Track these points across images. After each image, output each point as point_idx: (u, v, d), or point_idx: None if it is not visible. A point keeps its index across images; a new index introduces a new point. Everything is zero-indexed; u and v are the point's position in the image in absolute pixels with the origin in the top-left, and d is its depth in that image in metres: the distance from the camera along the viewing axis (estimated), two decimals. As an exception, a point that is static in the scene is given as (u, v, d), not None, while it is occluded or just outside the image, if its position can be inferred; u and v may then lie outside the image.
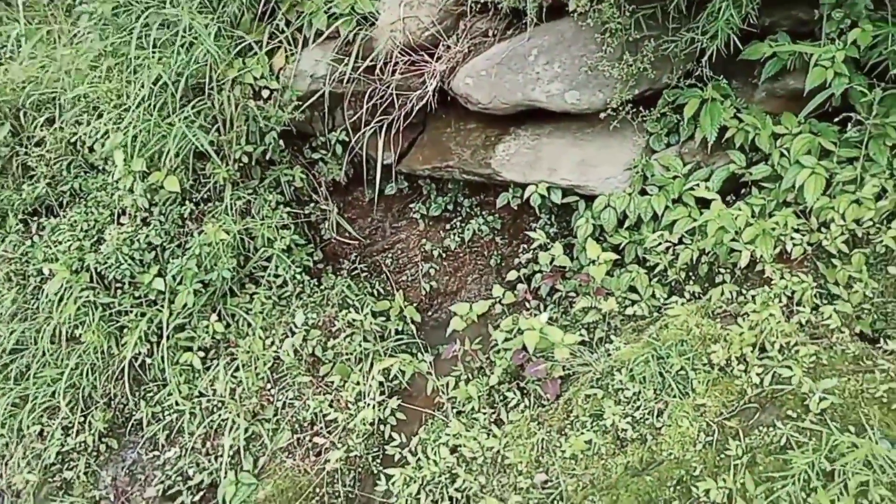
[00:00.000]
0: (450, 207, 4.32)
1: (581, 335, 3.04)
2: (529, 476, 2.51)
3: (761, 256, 2.77)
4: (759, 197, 3.00)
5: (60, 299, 3.29)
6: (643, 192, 3.26)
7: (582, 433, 2.50)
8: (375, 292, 3.98)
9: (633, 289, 3.23)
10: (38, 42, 3.70)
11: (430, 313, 4.37)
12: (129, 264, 3.32)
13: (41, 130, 3.48)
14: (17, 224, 3.47)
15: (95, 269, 3.33)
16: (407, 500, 2.67)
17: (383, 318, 3.74)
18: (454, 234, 4.25)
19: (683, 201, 3.14)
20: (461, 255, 4.36)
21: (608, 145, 3.42)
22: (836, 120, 2.80)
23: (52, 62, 3.54)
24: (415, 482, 2.69)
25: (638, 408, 2.46)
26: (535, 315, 3.01)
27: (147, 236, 3.36)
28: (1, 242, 3.42)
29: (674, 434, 2.29)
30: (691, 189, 3.09)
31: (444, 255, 4.30)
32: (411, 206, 4.38)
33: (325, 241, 4.31)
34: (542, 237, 3.44)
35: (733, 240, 2.80)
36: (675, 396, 2.40)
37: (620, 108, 3.19)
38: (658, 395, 2.44)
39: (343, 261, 4.29)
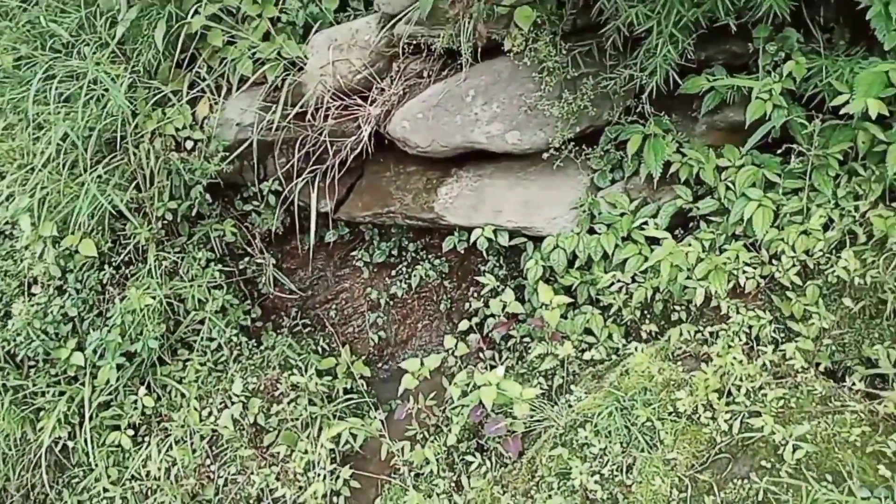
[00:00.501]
0: (394, 253, 4.16)
1: (539, 384, 2.91)
2: (497, 547, 2.33)
3: (716, 292, 2.72)
4: (708, 231, 2.96)
5: (-37, 385, 2.94)
6: (591, 231, 3.18)
7: (549, 496, 2.34)
8: (320, 349, 3.76)
9: (588, 331, 3.12)
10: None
11: (379, 365, 4.17)
12: (43, 339, 3.01)
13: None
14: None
15: (3, 347, 3.00)
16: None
17: (329, 377, 3.53)
18: (401, 281, 4.08)
19: (633, 238, 3.07)
20: (409, 301, 4.19)
21: (552, 185, 3.34)
22: (779, 152, 2.79)
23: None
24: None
25: (605, 464, 2.32)
26: (492, 367, 2.86)
27: (62, 307, 3.06)
28: None
29: (646, 492, 2.16)
30: (640, 227, 3.02)
31: (391, 302, 4.12)
32: (353, 253, 4.19)
33: (262, 297, 4.07)
34: (492, 281, 3.32)
35: (687, 277, 2.73)
36: (642, 450, 2.28)
37: (563, 147, 3.12)
38: (625, 448, 2.31)
39: (283, 316, 4.06)
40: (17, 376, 3.04)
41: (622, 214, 3.11)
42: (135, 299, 3.13)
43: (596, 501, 2.28)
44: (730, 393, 2.32)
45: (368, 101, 3.45)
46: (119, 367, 3.06)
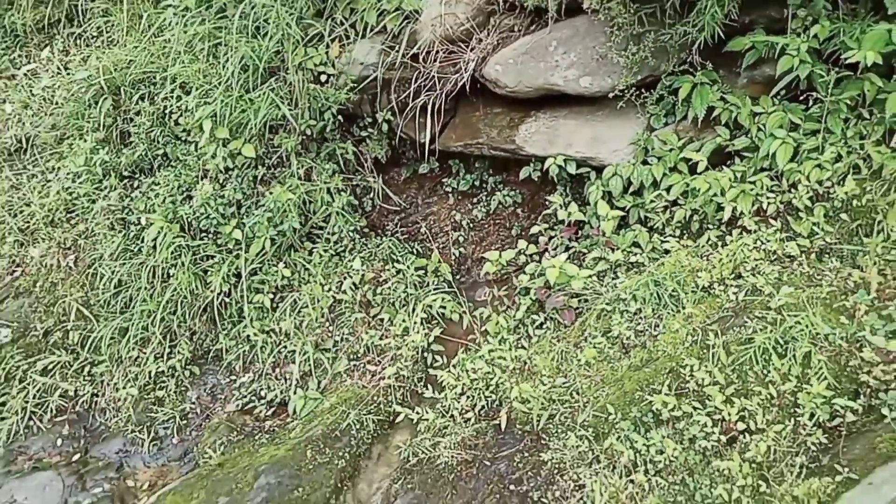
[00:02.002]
0: (476, 184, 4.97)
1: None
2: (551, 379, 3.13)
3: (741, 212, 3.40)
4: (740, 165, 3.63)
5: (156, 244, 3.93)
6: (644, 163, 3.89)
7: (594, 344, 3.13)
8: (415, 251, 4.60)
9: (636, 244, 3.85)
10: (131, 30, 4.36)
11: (458, 276, 4.99)
12: (213, 217, 3.95)
13: (138, 104, 4.13)
14: (117, 182, 4.12)
15: (186, 219, 3.97)
16: (451, 403, 3.29)
17: (422, 272, 4.37)
18: (480, 206, 4.88)
19: (678, 169, 3.77)
20: (486, 225, 4.98)
21: (615, 125, 4.06)
22: (802, 100, 3.44)
23: (147, 47, 4.19)
24: (456, 388, 3.32)
25: (639, 322, 3.09)
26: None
27: (229, 194, 3.99)
28: (106, 196, 4.06)
29: (668, 338, 2.92)
30: (685, 159, 3.72)
31: (471, 224, 4.92)
32: (443, 181, 5.02)
33: (367, 213, 4.94)
34: (560, 200, 4.08)
35: (719, 195, 3.43)
36: (668, 312, 3.03)
37: (626, 91, 3.83)
38: (655, 311, 3.07)
39: (386, 225, 4.93)
40: (191, 243, 4.00)
41: (671, 150, 3.82)
42: (280, 194, 4.05)
43: (629, 346, 3.05)
44: (740, 276, 3.04)
45: (469, 48, 4.24)
46: (269, 241, 3.98)
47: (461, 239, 4.91)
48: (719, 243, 3.36)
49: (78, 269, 4.14)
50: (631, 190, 3.92)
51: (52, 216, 4.22)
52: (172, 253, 3.95)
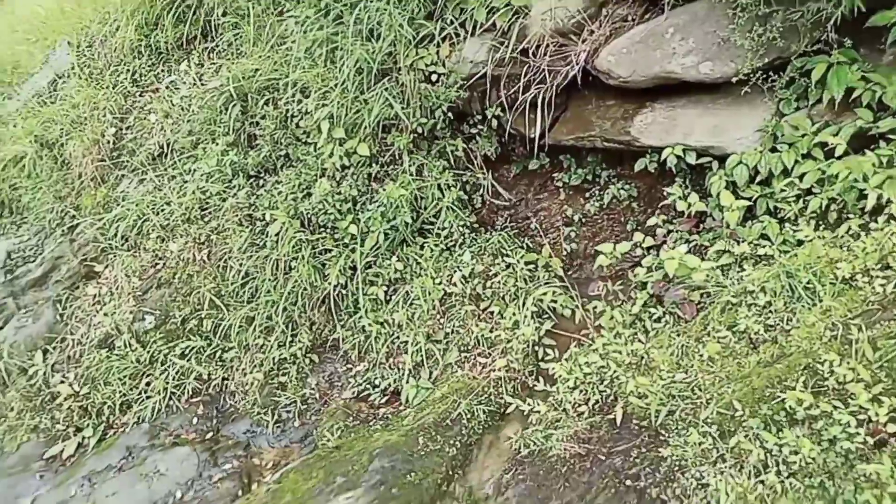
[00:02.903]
0: (588, 178, 4.86)
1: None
2: (671, 374, 2.99)
3: (889, 199, 3.10)
4: (886, 149, 3.31)
5: (279, 239, 4.16)
6: (773, 150, 3.64)
7: (717, 340, 2.96)
8: (524, 246, 4.57)
9: (764, 236, 3.60)
10: (257, 41, 4.66)
11: (569, 273, 4.90)
12: (331, 213, 4.13)
13: (263, 109, 4.41)
14: (245, 181, 4.41)
15: (306, 215, 4.17)
16: (563, 396, 3.23)
17: (532, 267, 4.33)
18: (593, 201, 4.77)
19: (812, 155, 3.50)
20: (599, 220, 4.85)
21: (739, 112, 3.83)
22: (961, 73, 3.09)
23: (270, 56, 4.46)
24: (569, 381, 3.25)
25: (769, 316, 2.89)
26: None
27: (345, 191, 4.16)
28: (235, 195, 4.37)
29: (802, 332, 2.70)
30: (820, 144, 3.44)
31: (583, 220, 4.81)
32: (553, 176, 4.96)
33: (477, 210, 4.97)
34: (679, 192, 3.90)
35: (861, 182, 3.14)
36: (803, 305, 2.81)
37: (751, 76, 3.61)
38: (787, 304, 2.86)
39: (495, 224, 4.94)
40: (310, 237, 4.20)
41: (803, 135, 3.54)
42: (392, 190, 4.17)
43: (758, 341, 2.86)
44: (888, 266, 2.77)
45: (580, 40, 4.17)
46: (382, 235, 4.11)
47: (573, 234, 4.81)
48: (862, 233, 3.07)
49: (210, 262, 4.47)
50: (758, 179, 3.69)
51: (189, 214, 4.59)
52: (293, 247, 4.17)
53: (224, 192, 4.48)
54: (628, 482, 2.64)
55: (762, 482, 2.32)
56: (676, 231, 3.86)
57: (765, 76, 3.64)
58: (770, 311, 2.89)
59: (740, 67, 3.64)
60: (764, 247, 3.50)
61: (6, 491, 4.17)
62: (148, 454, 4.06)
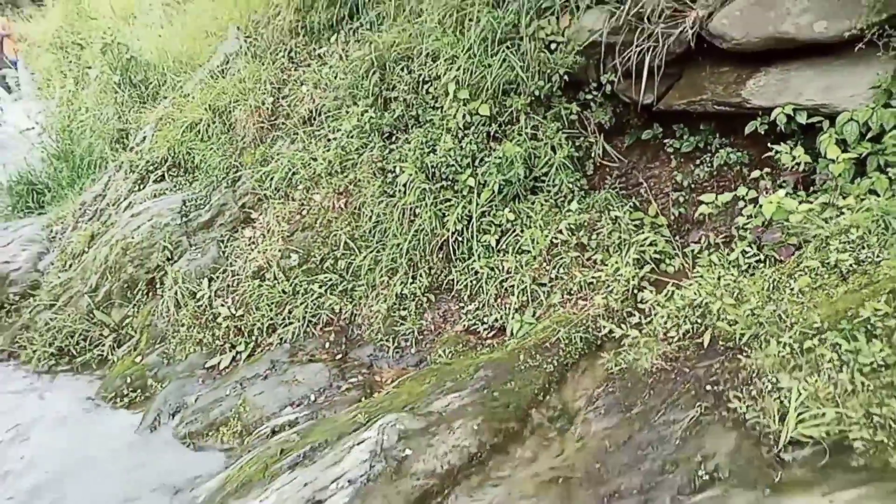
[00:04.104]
0: (700, 146, 4.99)
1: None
2: (761, 306, 3.16)
3: None
4: None
5: (406, 189, 4.71)
6: (887, 106, 3.67)
7: (808, 273, 3.10)
8: (633, 206, 4.81)
9: (872, 192, 3.64)
10: (397, 16, 5.27)
11: (676, 238, 5.07)
12: (452, 166, 4.62)
13: (398, 76, 5.00)
14: (379, 139, 5.02)
15: (430, 168, 4.69)
16: (656, 326, 3.48)
17: (638, 222, 4.56)
18: (703, 167, 4.90)
19: (929, 109, 3.51)
20: (708, 187, 4.98)
21: (853, 70, 3.88)
22: None
23: (407, 29, 5.04)
24: (662, 313, 3.49)
25: (861, 251, 2.99)
26: (774, 198, 3.62)
27: (466, 146, 4.63)
28: (372, 150, 4.99)
29: (892, 262, 2.81)
30: (937, 96, 3.45)
31: (692, 185, 4.96)
32: (665, 142, 5.14)
33: (589, 176, 5.26)
34: (786, 149, 4.00)
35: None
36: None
37: (867, 31, 3.66)
38: (880, 239, 2.96)
39: (605, 186, 5.20)
40: (433, 188, 4.72)
41: (920, 89, 3.56)
42: (509, 147, 4.58)
43: (848, 273, 2.97)
44: None
45: (695, 3, 4.37)
46: (496, 190, 4.53)
47: (681, 199, 4.97)
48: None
49: (347, 209, 5.12)
50: (868, 136, 3.72)
51: (331, 168, 5.27)
52: (418, 196, 4.70)
53: (361, 148, 5.12)
54: (708, 387, 2.88)
55: (835, 384, 2.49)
56: (782, 185, 3.96)
57: (881, 31, 3.67)
58: (863, 246, 3.00)
59: (856, 23, 3.70)
60: (870, 201, 3.55)
61: (176, 390, 5.03)
62: (288, 367, 4.75)
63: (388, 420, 3.36)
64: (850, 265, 2.96)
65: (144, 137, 7.24)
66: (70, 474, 4.54)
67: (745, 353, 2.92)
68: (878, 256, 2.91)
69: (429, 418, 3.39)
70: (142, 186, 6.74)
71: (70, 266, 6.73)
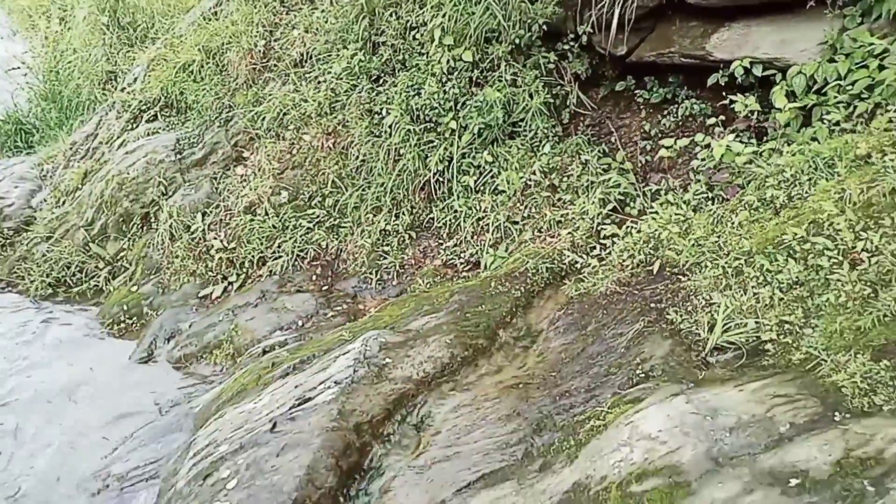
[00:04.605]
0: (668, 97, 5.32)
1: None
2: (705, 237, 3.55)
3: (928, 101, 3.45)
4: (938, 57, 3.62)
5: (391, 130, 5.00)
6: (831, 61, 4.01)
7: (747, 209, 3.48)
8: (602, 152, 5.15)
9: (815, 139, 4.01)
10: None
11: (641, 183, 5.43)
12: (437, 108, 4.91)
13: (387, 21, 5.24)
14: (367, 82, 5.29)
15: (415, 110, 4.98)
16: (615, 257, 3.87)
17: (606, 166, 4.91)
18: (670, 117, 5.24)
19: (866, 65, 3.85)
20: (673, 136, 5.31)
21: (806, 27, 4.20)
22: None
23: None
24: (621, 245, 3.88)
25: (794, 188, 3.38)
26: (726, 143, 3.98)
27: (450, 91, 4.92)
28: (360, 92, 5.26)
29: (816, 197, 3.19)
30: (874, 54, 3.78)
31: (659, 134, 5.30)
32: (636, 93, 5.46)
33: (564, 125, 5.57)
34: (741, 99, 4.34)
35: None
36: (823, 177, 3.28)
37: (819, -9, 3.97)
38: (811, 178, 3.34)
39: (578, 129, 5.53)
40: (417, 129, 5.01)
41: (860, 46, 3.89)
42: (489, 92, 4.87)
43: (781, 207, 3.36)
44: (903, 146, 3.17)
45: (667, -38, 4.64)
46: (476, 133, 4.84)
47: (648, 147, 5.32)
48: (889, 124, 3.46)
49: (335, 149, 5.41)
50: (815, 89, 4.07)
51: (321, 108, 5.54)
52: (403, 137, 5.00)
53: (350, 90, 5.38)
54: (652, 304, 3.28)
55: (757, 299, 2.89)
56: (734, 131, 4.32)
57: (833, -6, 3.99)
58: (795, 184, 3.38)
59: (810, -18, 4.01)
60: (811, 146, 3.92)
61: (171, 317, 5.38)
62: (277, 296, 5.11)
63: (370, 335, 3.75)
64: (783, 201, 3.35)
65: (136, 78, 7.40)
66: (70, 391, 4.90)
67: (686, 277, 3.32)
68: (806, 193, 3.29)
69: (407, 334, 3.78)
70: (135, 126, 6.94)
71: (64, 202, 6.98)
